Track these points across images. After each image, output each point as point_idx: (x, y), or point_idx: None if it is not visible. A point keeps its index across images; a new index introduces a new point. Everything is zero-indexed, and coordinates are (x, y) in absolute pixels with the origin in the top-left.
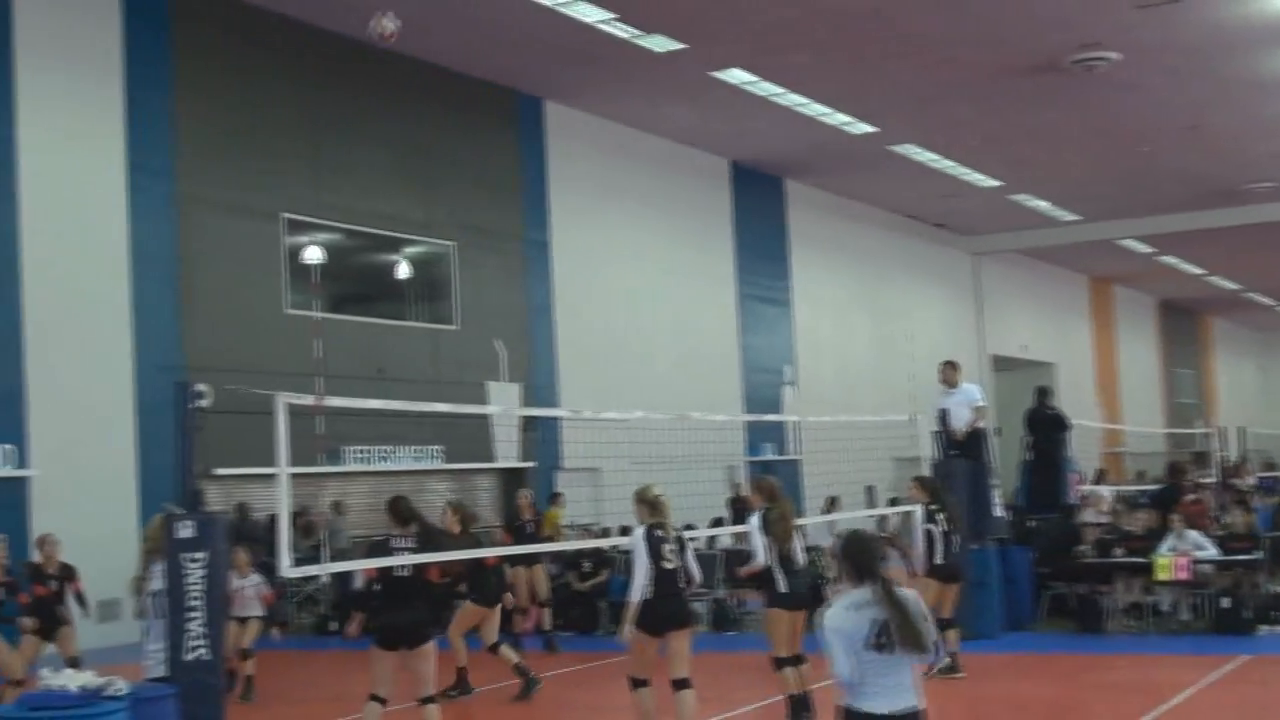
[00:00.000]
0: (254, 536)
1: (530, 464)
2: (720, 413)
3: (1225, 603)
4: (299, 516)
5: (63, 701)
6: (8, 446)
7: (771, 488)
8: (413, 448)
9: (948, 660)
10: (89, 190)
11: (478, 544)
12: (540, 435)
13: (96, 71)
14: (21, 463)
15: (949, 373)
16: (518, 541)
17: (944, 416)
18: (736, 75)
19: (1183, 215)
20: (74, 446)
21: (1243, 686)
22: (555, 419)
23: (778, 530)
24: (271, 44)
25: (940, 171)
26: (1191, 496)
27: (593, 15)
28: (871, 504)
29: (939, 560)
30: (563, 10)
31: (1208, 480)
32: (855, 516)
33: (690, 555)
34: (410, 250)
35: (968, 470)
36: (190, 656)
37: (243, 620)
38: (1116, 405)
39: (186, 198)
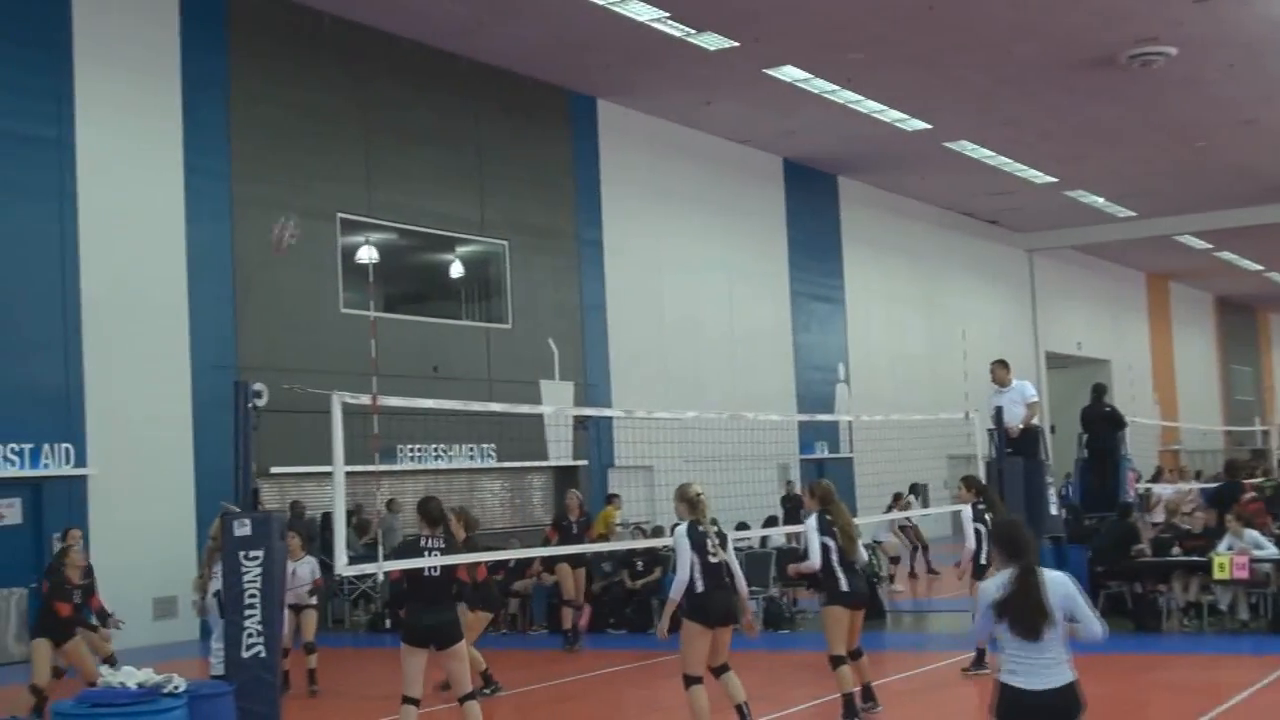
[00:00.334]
0: (307, 534)
1: (583, 462)
2: (773, 411)
3: None
4: (353, 515)
5: (122, 698)
6: (66, 446)
7: (826, 490)
8: (466, 446)
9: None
10: (146, 193)
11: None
12: (593, 434)
13: (154, 75)
14: (79, 462)
15: (999, 372)
16: (563, 540)
17: (998, 414)
18: (789, 73)
19: (1240, 210)
20: (131, 446)
21: None
22: (608, 418)
23: (841, 533)
24: (326, 46)
25: (994, 168)
26: (1250, 495)
27: (645, 14)
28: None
29: (984, 561)
30: (615, 9)
31: (1258, 480)
32: (912, 515)
33: (731, 551)
34: (464, 250)
35: (1023, 468)
36: (247, 654)
37: (297, 610)
38: (1173, 402)
39: (242, 199)
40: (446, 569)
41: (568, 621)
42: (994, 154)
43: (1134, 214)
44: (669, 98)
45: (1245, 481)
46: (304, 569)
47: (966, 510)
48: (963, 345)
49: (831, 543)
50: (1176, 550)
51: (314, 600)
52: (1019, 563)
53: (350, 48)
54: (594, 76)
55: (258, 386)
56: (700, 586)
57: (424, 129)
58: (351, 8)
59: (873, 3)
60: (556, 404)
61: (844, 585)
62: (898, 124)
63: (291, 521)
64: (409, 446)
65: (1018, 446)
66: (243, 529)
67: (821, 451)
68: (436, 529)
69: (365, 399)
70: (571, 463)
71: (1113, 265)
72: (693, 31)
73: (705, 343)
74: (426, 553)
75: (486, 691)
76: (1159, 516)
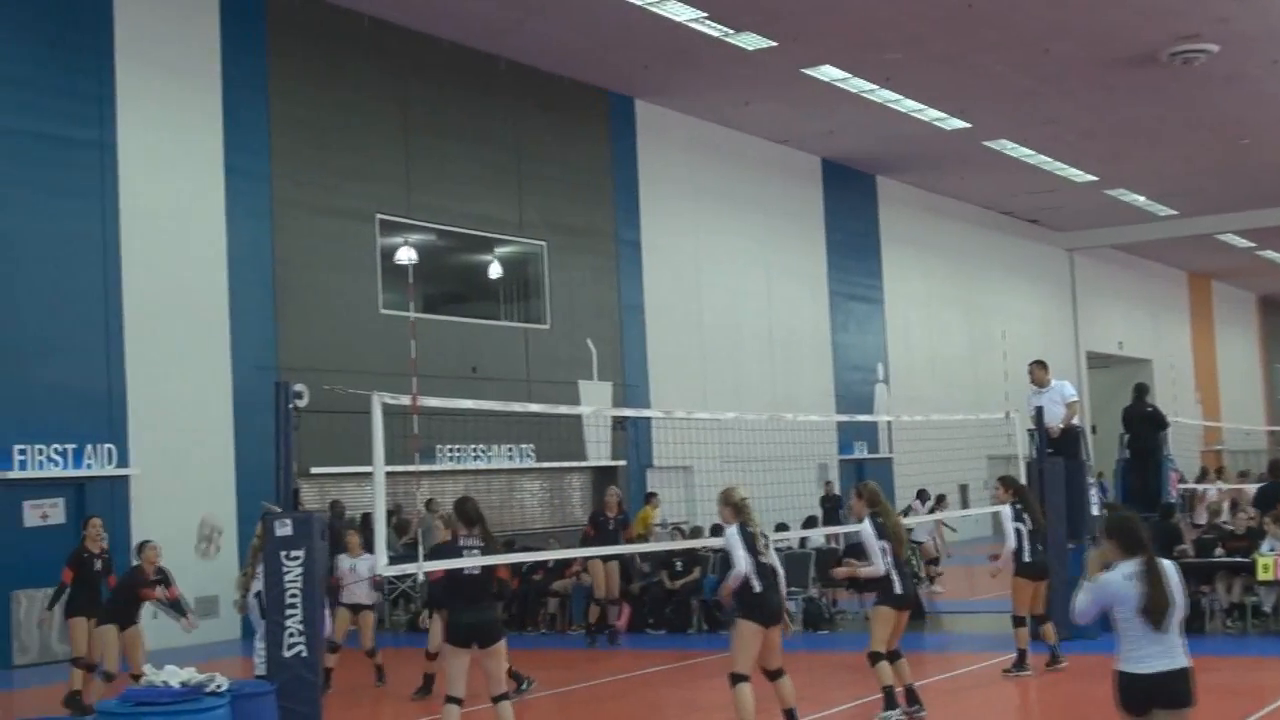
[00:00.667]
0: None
1: (621, 463)
2: (812, 411)
3: None
4: (393, 515)
5: (165, 697)
6: (109, 446)
7: (874, 492)
8: (505, 447)
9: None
10: (187, 194)
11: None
12: (631, 434)
13: (194, 77)
14: (122, 462)
15: (1038, 372)
16: (599, 537)
17: (1039, 415)
18: (828, 72)
19: None
20: (173, 446)
21: None
22: (647, 418)
23: (894, 535)
24: (364, 47)
25: (1034, 167)
26: None
27: (684, 14)
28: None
29: (1027, 559)
30: (653, 9)
31: None
32: (954, 515)
33: (773, 553)
34: (502, 250)
35: (1064, 469)
36: (289, 653)
37: (355, 610)
38: (1215, 402)
39: (282, 199)
40: (486, 568)
41: (594, 617)
42: (1034, 153)
43: (1175, 213)
44: (707, 98)
45: None
46: (363, 566)
47: (1006, 510)
48: (1003, 345)
49: (887, 545)
50: (1220, 551)
51: (371, 601)
52: (1140, 555)
53: (389, 49)
54: (632, 77)
55: (298, 387)
56: (757, 586)
57: (463, 129)
58: (390, 9)
59: (911, 2)
60: (595, 404)
61: (898, 587)
62: (937, 123)
63: (333, 524)
64: (448, 447)
65: (1058, 447)
66: (284, 529)
67: (860, 452)
68: (474, 529)
69: (405, 399)
70: (610, 463)
71: (1154, 264)
72: (731, 31)
73: (744, 343)
74: (465, 552)
75: (522, 689)
76: (1201, 518)
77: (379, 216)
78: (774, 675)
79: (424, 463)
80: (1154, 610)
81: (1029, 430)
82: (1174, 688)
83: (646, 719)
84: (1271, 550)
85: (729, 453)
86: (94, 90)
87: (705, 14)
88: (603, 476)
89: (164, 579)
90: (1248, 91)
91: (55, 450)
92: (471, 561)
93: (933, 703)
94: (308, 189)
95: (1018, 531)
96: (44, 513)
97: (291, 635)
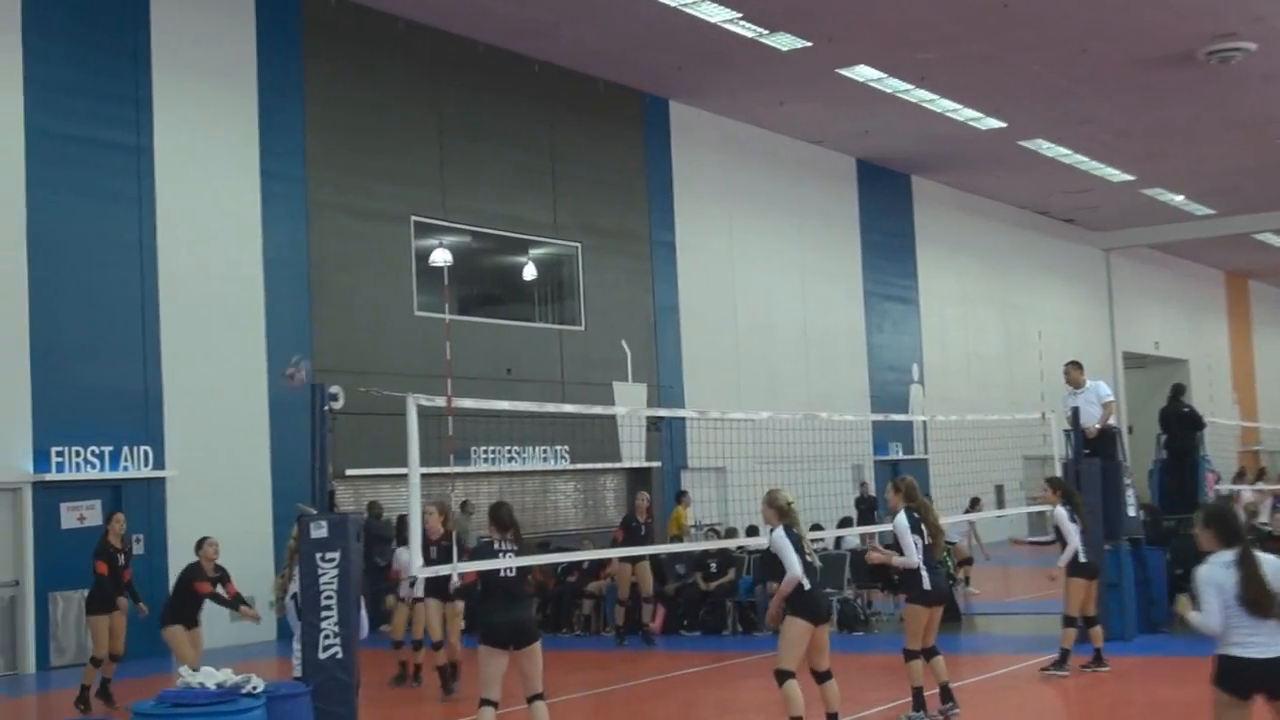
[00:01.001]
0: (383, 536)
1: (656, 464)
2: (847, 411)
3: None
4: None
5: (202, 698)
6: (145, 448)
7: (911, 486)
8: (540, 448)
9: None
10: (223, 196)
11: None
12: (666, 435)
13: (230, 80)
14: (158, 464)
15: (1074, 373)
16: (628, 540)
17: (1075, 415)
18: (863, 72)
19: None
20: (209, 448)
21: None
22: (681, 419)
23: (929, 529)
24: (399, 50)
25: (1071, 166)
26: None
27: (718, 15)
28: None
29: (1082, 559)
30: (688, 10)
31: None
32: (988, 516)
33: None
34: (537, 252)
35: (1101, 469)
36: (324, 655)
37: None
38: (1253, 402)
39: (318, 202)
40: (521, 569)
41: (620, 619)
42: (1070, 152)
43: (1212, 212)
44: (741, 98)
45: None
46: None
47: (1061, 510)
48: (1039, 345)
49: (919, 539)
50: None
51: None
52: (1237, 545)
53: (424, 51)
54: (666, 78)
55: (334, 389)
56: (807, 584)
57: (497, 131)
58: (425, 11)
59: (946, 2)
60: (629, 405)
61: (927, 584)
62: (972, 123)
63: (370, 525)
64: (483, 448)
65: (1095, 447)
66: (319, 531)
67: (896, 453)
68: (507, 533)
69: (439, 401)
70: (644, 464)
71: (1191, 264)
72: (765, 32)
73: (779, 343)
74: (501, 554)
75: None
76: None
77: (414, 218)
78: (822, 677)
79: (458, 464)
80: (1252, 598)
81: (1065, 431)
82: (1277, 673)
83: None
84: None
85: (763, 453)
86: (130, 94)
87: (739, 14)
88: (637, 478)
89: (223, 576)
90: None
91: (92, 452)
92: (505, 563)
93: (968, 703)
94: (343, 191)
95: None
96: (81, 515)
97: (327, 637)
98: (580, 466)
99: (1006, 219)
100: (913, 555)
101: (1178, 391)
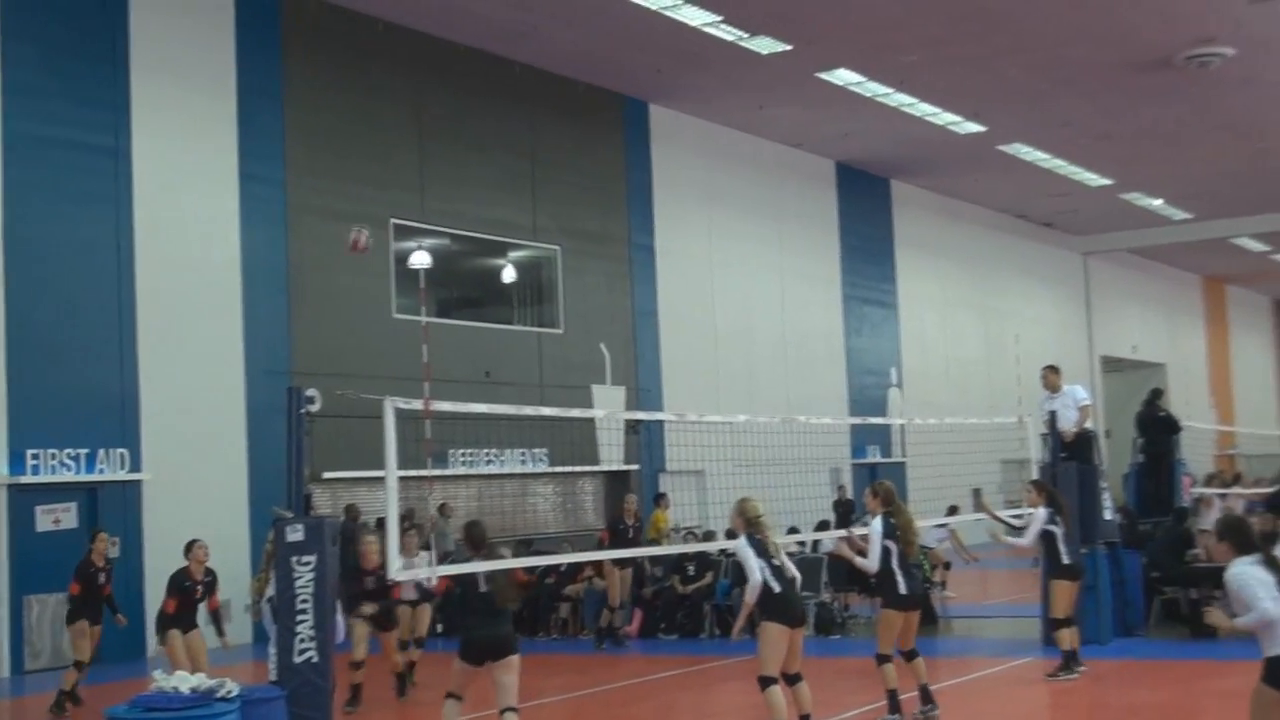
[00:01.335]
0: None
1: (634, 467)
2: (825, 414)
3: None
4: (405, 520)
5: (176, 703)
6: (121, 451)
7: (890, 492)
8: (518, 451)
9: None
10: (202, 199)
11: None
12: (644, 438)
13: (209, 83)
14: (135, 467)
15: (1050, 377)
16: (615, 543)
17: (1052, 419)
18: (843, 76)
19: None
20: (186, 451)
21: None
22: (660, 422)
23: (906, 536)
24: (379, 52)
25: (1049, 170)
26: None
27: (698, 18)
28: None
29: (1066, 561)
30: (668, 13)
31: None
32: (967, 519)
33: (785, 557)
34: (516, 255)
35: (1078, 473)
36: (299, 659)
37: (413, 605)
38: (1230, 407)
39: (296, 205)
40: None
41: (605, 621)
42: (1049, 156)
43: (1190, 216)
44: (721, 102)
45: None
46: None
47: (1042, 512)
48: (1017, 349)
49: (893, 546)
50: None
51: (415, 596)
52: (1254, 553)
53: (404, 53)
54: (647, 81)
55: (310, 392)
56: (777, 588)
57: (477, 134)
58: (405, 13)
59: (926, 5)
60: (608, 409)
61: (902, 589)
62: (951, 126)
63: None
64: (461, 451)
65: (1071, 451)
66: (295, 534)
67: (874, 456)
68: (480, 552)
69: (418, 404)
70: (623, 467)
71: (1168, 268)
72: (745, 35)
73: (757, 347)
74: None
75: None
76: (1208, 522)
77: (393, 221)
78: (793, 680)
79: (436, 467)
80: None
81: (1042, 434)
82: None
83: None
84: None
85: (742, 456)
86: (109, 97)
87: (720, 18)
88: (615, 481)
89: (212, 581)
90: (1263, 95)
91: (68, 455)
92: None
93: (945, 706)
94: (322, 194)
95: (1051, 534)
96: (56, 518)
97: (303, 641)
98: (559, 469)
99: (985, 223)
100: (875, 560)
101: (1155, 395)
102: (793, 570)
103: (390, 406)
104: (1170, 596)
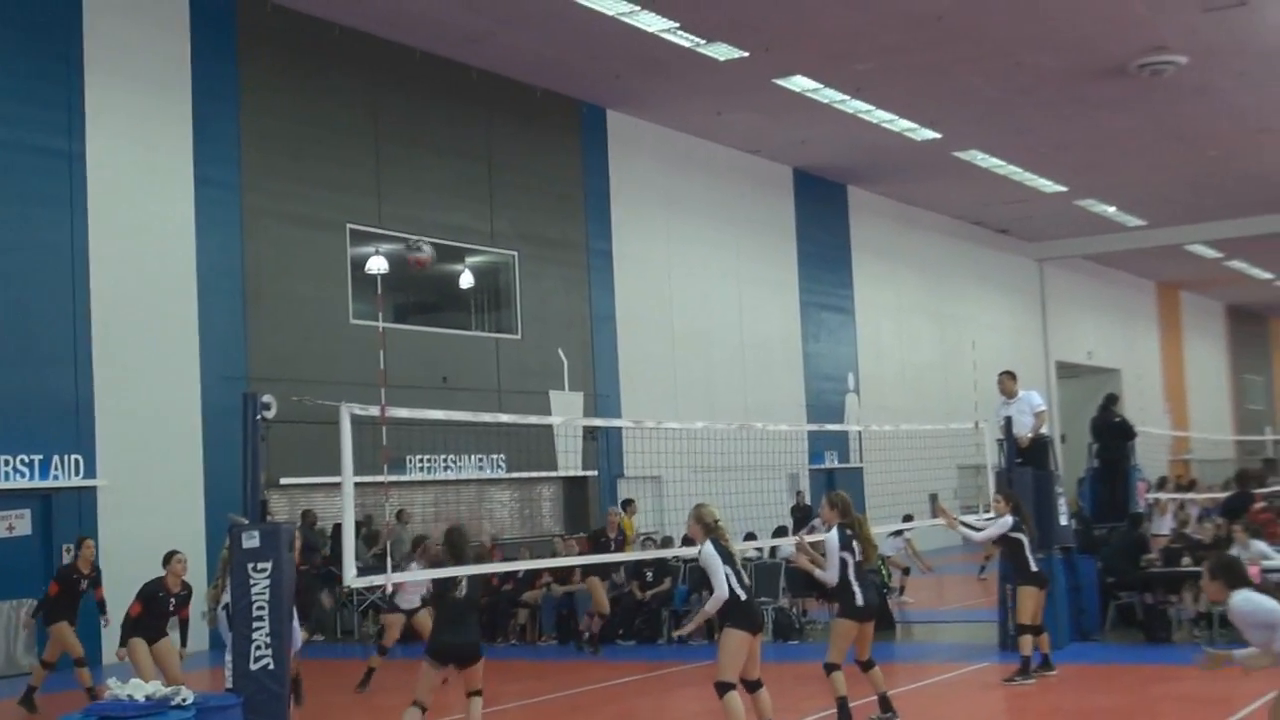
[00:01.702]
0: (314, 546)
1: (592, 473)
2: (783, 419)
3: None
4: (363, 526)
5: (130, 711)
6: (76, 457)
7: (846, 503)
8: (476, 457)
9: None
10: (157, 203)
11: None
12: (602, 444)
13: (164, 87)
14: (89, 473)
15: (1007, 383)
16: (597, 552)
17: (1008, 425)
18: (800, 82)
19: (1252, 220)
20: (141, 456)
21: None
22: (618, 428)
23: (861, 544)
24: (336, 56)
25: (1005, 177)
26: (1260, 505)
27: (655, 24)
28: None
29: (1034, 568)
30: (626, 20)
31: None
32: (923, 525)
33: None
34: (474, 260)
35: (1033, 478)
36: (255, 666)
37: (410, 613)
38: (1184, 412)
39: (252, 210)
40: (472, 593)
41: (595, 628)
42: (1004, 163)
43: (1144, 223)
44: (679, 108)
45: (1256, 491)
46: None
47: (1008, 519)
48: (973, 355)
49: (850, 558)
50: (1187, 561)
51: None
52: (1246, 587)
53: (360, 58)
54: (604, 87)
55: (266, 398)
56: (742, 595)
57: (434, 139)
58: (361, 18)
59: (882, 13)
60: (566, 414)
61: (859, 599)
62: (908, 133)
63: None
64: (418, 457)
65: (1027, 456)
66: (251, 541)
67: (831, 461)
68: (462, 562)
69: (374, 410)
70: (581, 473)
71: (1123, 274)
72: (702, 42)
73: (715, 352)
74: (458, 582)
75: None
76: (1162, 527)
77: (350, 226)
78: (753, 686)
79: (394, 473)
80: None
81: (998, 440)
82: None
83: None
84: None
85: (700, 462)
86: (63, 99)
87: (677, 24)
88: (574, 486)
89: (188, 595)
90: (1215, 103)
91: (22, 461)
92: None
93: (904, 710)
94: (278, 199)
95: (1020, 541)
96: (10, 524)
97: (258, 648)
98: (517, 475)
99: (942, 229)
100: (834, 572)
101: (1110, 401)
102: (745, 576)
103: (346, 412)
104: (1125, 601)
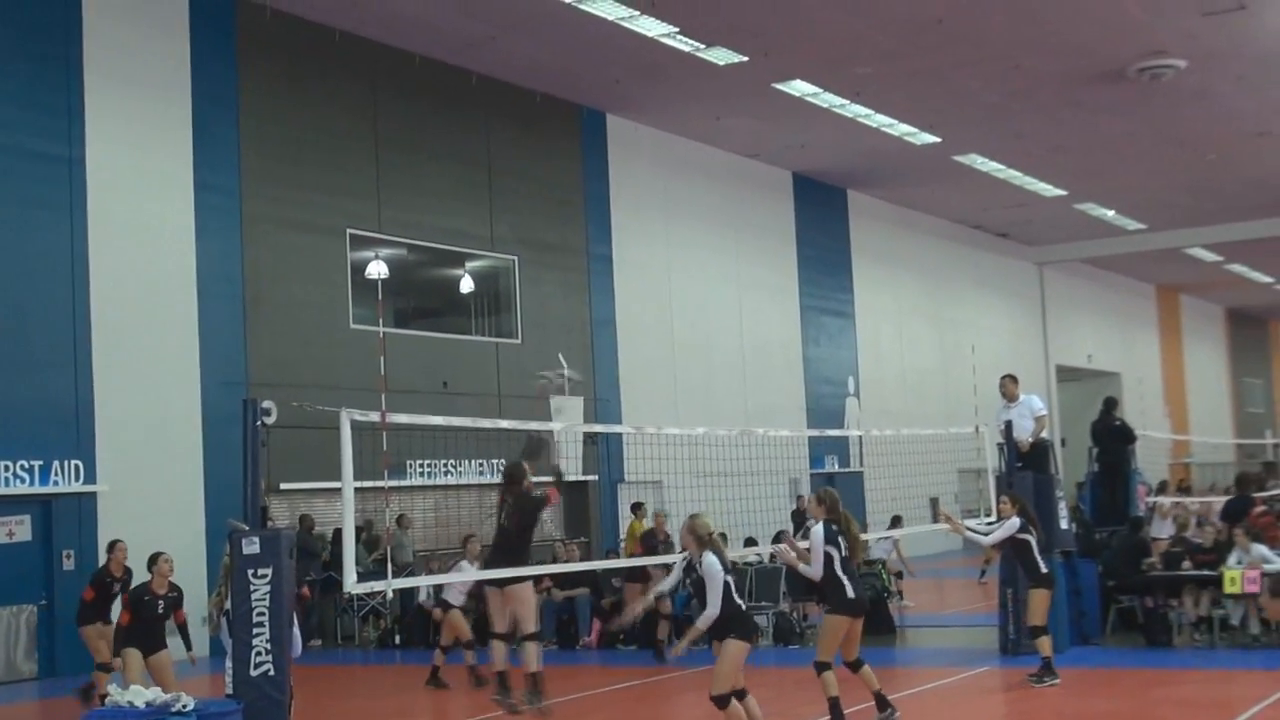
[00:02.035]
0: (313, 551)
1: (592, 478)
2: (783, 424)
3: None
4: (363, 531)
5: (130, 718)
6: (76, 462)
7: (833, 499)
8: (476, 462)
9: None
10: (157, 209)
11: None
12: (602, 449)
13: (164, 92)
14: (89, 478)
15: (1009, 386)
16: (649, 555)
17: (1008, 429)
18: (799, 87)
19: (1251, 223)
20: (141, 462)
21: None
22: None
23: (849, 539)
24: (335, 62)
25: (1004, 181)
26: (1260, 509)
27: (655, 29)
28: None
29: (1044, 570)
30: (626, 24)
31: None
32: (918, 531)
33: None
34: (474, 265)
35: (1034, 482)
36: (256, 672)
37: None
38: (1184, 415)
39: (252, 215)
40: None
41: (663, 632)
42: (1004, 167)
43: (1144, 227)
44: (678, 112)
45: (1256, 495)
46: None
47: (1015, 521)
48: (973, 359)
49: (835, 552)
50: (1187, 564)
51: (459, 602)
52: None
53: (360, 63)
54: (604, 92)
55: (266, 404)
56: (743, 605)
57: (434, 144)
58: (362, 23)
59: (882, 17)
60: (566, 420)
61: (849, 593)
62: (907, 138)
63: (301, 535)
64: (419, 462)
65: (1027, 460)
66: (251, 547)
67: (831, 466)
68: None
69: (375, 415)
70: (581, 478)
71: (1123, 278)
72: (702, 46)
73: (715, 357)
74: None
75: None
76: (1162, 531)
77: (350, 231)
78: (740, 695)
79: (395, 478)
80: None
81: (998, 444)
82: None
83: None
84: (1239, 563)
85: (700, 468)
86: (63, 104)
87: (677, 29)
88: (574, 491)
89: (178, 597)
90: (1215, 107)
91: (22, 466)
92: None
93: (904, 715)
94: (278, 204)
95: (1028, 543)
96: (10, 530)
97: (259, 654)
98: None
99: (941, 233)
100: (818, 567)
101: (1110, 405)
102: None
103: (346, 417)
104: (1126, 605)
